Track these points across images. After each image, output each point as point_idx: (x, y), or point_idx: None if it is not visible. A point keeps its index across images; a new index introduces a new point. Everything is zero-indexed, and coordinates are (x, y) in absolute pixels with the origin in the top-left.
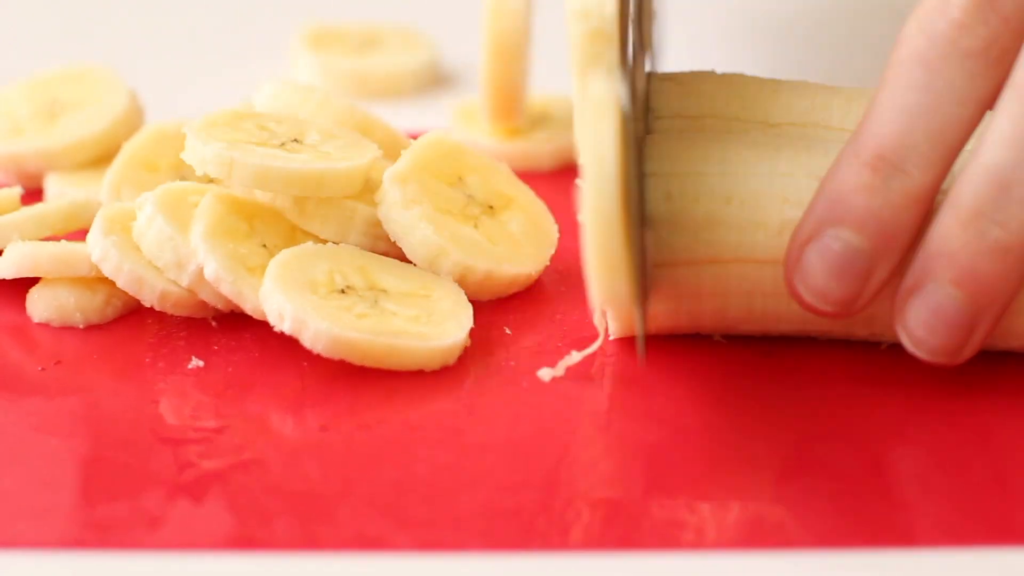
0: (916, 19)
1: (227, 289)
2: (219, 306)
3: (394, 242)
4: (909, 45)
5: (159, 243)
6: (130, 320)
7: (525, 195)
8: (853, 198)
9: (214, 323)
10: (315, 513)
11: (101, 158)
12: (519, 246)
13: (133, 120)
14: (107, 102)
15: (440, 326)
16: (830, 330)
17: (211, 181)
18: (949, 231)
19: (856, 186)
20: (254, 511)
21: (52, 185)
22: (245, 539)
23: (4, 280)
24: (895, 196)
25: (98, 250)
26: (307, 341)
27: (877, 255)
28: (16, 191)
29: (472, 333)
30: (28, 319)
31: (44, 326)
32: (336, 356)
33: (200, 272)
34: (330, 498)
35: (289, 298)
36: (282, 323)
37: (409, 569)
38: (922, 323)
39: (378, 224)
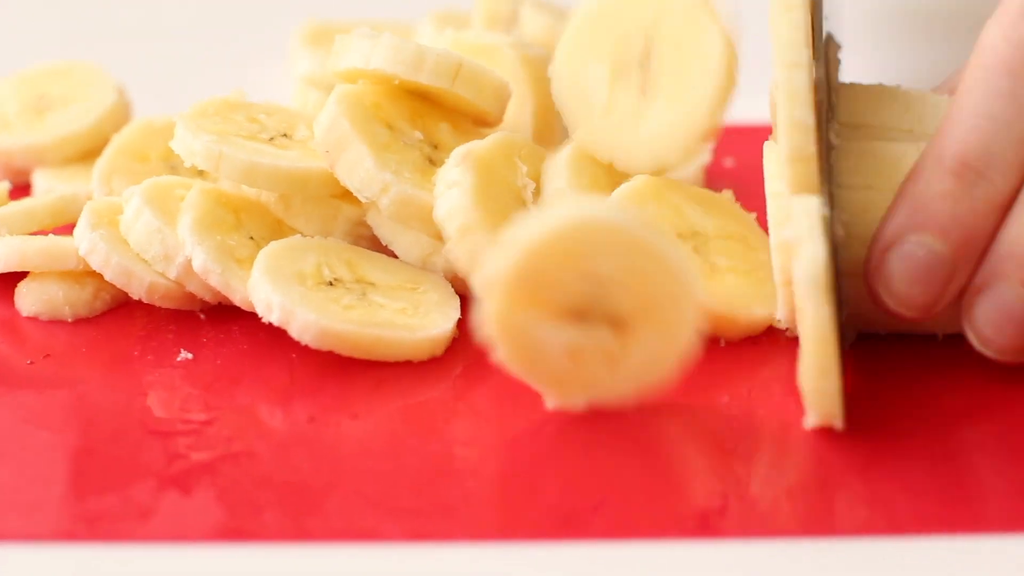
0: (999, 26)
1: (215, 281)
2: (207, 298)
3: (376, 241)
4: (993, 52)
5: (147, 236)
6: (119, 313)
7: None
8: (936, 204)
9: (203, 316)
10: (304, 504)
11: (89, 153)
12: None
13: (120, 115)
14: (94, 98)
15: (427, 317)
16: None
17: (200, 172)
18: (1021, 233)
19: (939, 193)
20: (244, 503)
21: (40, 180)
22: (235, 531)
23: None
24: (978, 203)
25: (85, 243)
26: (295, 332)
27: (958, 260)
28: (4, 186)
29: (461, 325)
30: (17, 313)
31: (33, 320)
32: (324, 347)
33: (188, 264)
34: (319, 489)
35: (277, 289)
36: (270, 314)
37: (398, 559)
38: (991, 322)
39: (361, 223)
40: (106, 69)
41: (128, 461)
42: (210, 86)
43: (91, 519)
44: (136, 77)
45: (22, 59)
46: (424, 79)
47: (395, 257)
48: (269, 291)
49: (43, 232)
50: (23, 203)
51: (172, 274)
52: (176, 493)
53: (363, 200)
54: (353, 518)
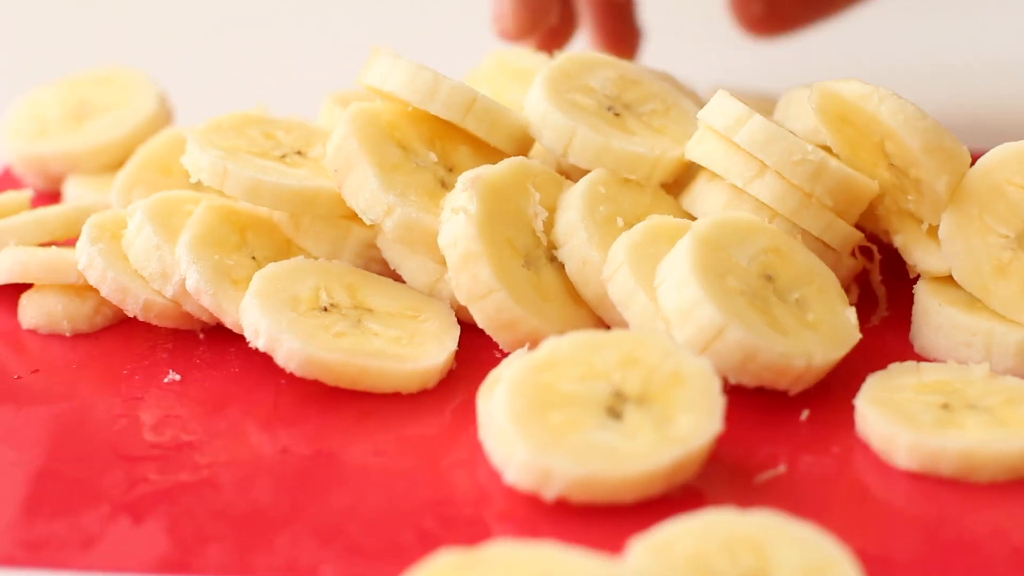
0: None
1: (208, 301)
2: (204, 318)
3: (386, 264)
4: None
5: (146, 252)
6: (118, 330)
7: None
8: None
9: (202, 335)
10: (253, 539)
11: (124, 162)
12: None
13: (159, 124)
14: (133, 106)
15: (421, 347)
16: None
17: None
18: None
19: None
20: (193, 534)
21: (71, 187)
22: (176, 564)
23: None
24: None
25: (84, 257)
26: (280, 359)
27: None
28: (26, 194)
29: (460, 357)
30: (18, 325)
31: (32, 332)
32: (310, 375)
33: (184, 283)
34: (273, 523)
35: (266, 314)
36: (257, 339)
37: None
38: None
39: (372, 246)
40: (151, 76)
41: (88, 485)
42: (259, 98)
43: (34, 544)
44: (184, 84)
45: (68, 65)
46: (436, 109)
47: (403, 282)
48: (257, 315)
49: (55, 243)
50: (36, 213)
51: (168, 292)
52: (127, 521)
53: (368, 222)
54: (298, 555)
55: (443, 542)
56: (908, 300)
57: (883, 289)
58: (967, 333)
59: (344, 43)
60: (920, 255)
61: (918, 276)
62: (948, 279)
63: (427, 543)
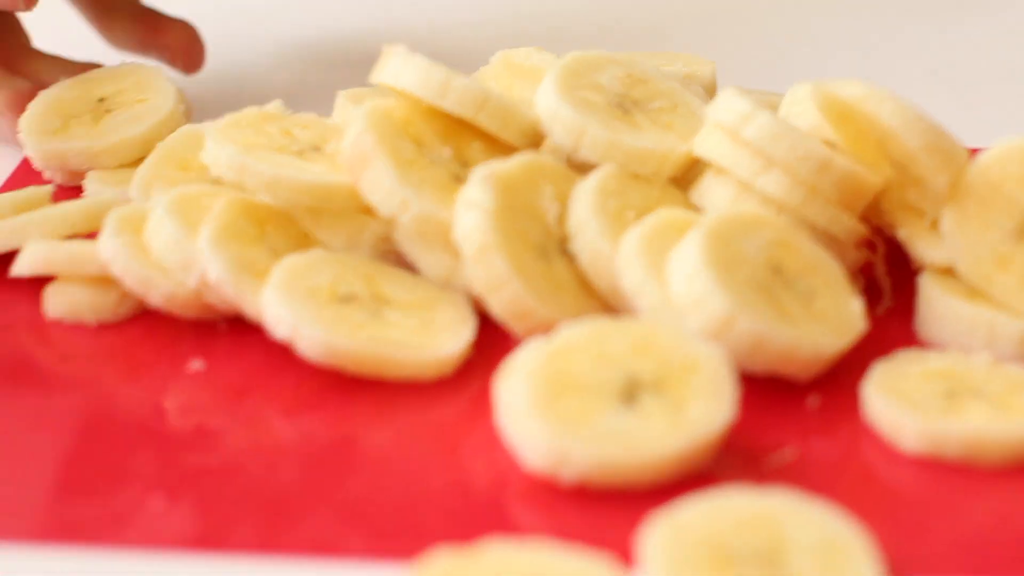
0: None
1: (229, 293)
2: (224, 309)
3: (402, 258)
4: None
5: (168, 245)
6: (142, 320)
7: None
8: None
9: (223, 326)
10: (280, 519)
11: (143, 158)
12: None
13: (177, 121)
14: (153, 103)
15: (437, 337)
16: None
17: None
18: None
19: None
20: (221, 514)
21: (91, 183)
22: (207, 540)
23: (26, 277)
24: None
25: (108, 250)
26: (302, 348)
27: None
28: (46, 189)
29: (476, 346)
30: (43, 315)
31: (57, 323)
32: (330, 364)
33: (205, 275)
34: (298, 505)
35: (287, 304)
36: (279, 329)
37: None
38: None
39: (388, 239)
40: (169, 74)
41: (118, 468)
42: (273, 96)
43: (68, 523)
44: (202, 82)
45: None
46: (449, 106)
47: (418, 274)
48: (278, 305)
49: (77, 236)
50: (59, 207)
51: (190, 284)
52: (158, 501)
53: (384, 216)
54: (324, 535)
55: (463, 522)
56: (913, 290)
57: (888, 280)
58: (970, 323)
59: (357, 43)
60: (923, 248)
61: (922, 268)
62: (951, 271)
63: (447, 524)
